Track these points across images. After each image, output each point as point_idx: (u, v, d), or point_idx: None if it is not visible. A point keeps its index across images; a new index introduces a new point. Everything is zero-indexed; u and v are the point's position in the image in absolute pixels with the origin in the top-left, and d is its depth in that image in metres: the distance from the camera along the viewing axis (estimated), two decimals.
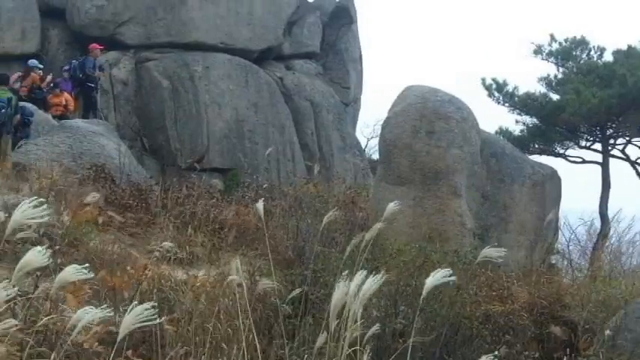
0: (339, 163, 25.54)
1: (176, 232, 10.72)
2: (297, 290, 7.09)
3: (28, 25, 24.01)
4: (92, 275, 4.27)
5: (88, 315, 3.95)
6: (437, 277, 4.77)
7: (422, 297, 4.87)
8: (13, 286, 4.01)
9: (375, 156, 28.60)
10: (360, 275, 4.64)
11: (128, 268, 7.49)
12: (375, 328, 5.01)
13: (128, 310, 3.90)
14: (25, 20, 23.97)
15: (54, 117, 18.88)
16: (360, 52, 30.45)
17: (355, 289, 4.57)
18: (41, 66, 20.67)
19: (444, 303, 7.59)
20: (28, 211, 4.25)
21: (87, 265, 4.22)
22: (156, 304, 4.01)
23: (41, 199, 4.34)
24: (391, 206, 6.69)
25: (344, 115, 27.46)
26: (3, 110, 15.35)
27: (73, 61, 21.30)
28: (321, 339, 5.15)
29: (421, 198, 11.98)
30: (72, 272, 4.18)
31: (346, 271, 4.92)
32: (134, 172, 14.72)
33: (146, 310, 3.86)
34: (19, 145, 15.17)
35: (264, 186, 15.42)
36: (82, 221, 8.71)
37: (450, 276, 4.76)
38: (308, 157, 24.75)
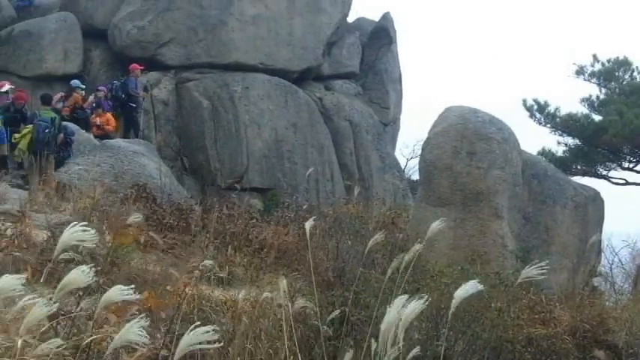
0: (378, 184, 25.48)
1: (216, 252, 10.73)
2: (338, 311, 7.05)
3: (71, 46, 24.39)
4: (138, 296, 4.28)
5: (132, 335, 3.94)
6: (466, 289, 4.66)
7: (451, 311, 4.77)
8: (54, 302, 4.02)
9: (415, 176, 28.58)
10: (400, 300, 4.56)
11: (168, 287, 7.50)
12: (416, 350, 4.94)
13: (187, 331, 3.87)
14: (68, 41, 24.34)
15: (95, 137, 19.06)
16: (400, 72, 30.42)
17: (397, 312, 4.50)
18: (83, 86, 20.88)
19: (485, 326, 7.50)
20: (76, 234, 4.28)
21: (132, 286, 4.23)
22: (217, 327, 3.99)
23: (86, 223, 4.36)
24: (435, 225, 6.62)
25: (383, 135, 27.45)
26: (47, 130, 15.54)
27: (115, 81, 21.53)
28: (348, 356, 5.13)
29: (462, 219, 11.85)
30: (117, 292, 4.19)
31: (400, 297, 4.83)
32: (175, 191, 14.80)
33: (206, 332, 3.84)
34: (62, 165, 15.33)
35: (304, 207, 15.40)
36: (124, 241, 8.74)
37: (477, 289, 4.65)
38: (347, 178, 24.75)
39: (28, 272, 6.65)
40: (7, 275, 4.11)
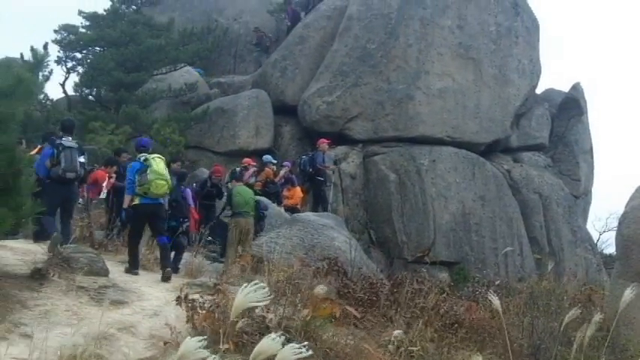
0: (569, 258, 24.71)
1: (406, 327, 10.62)
2: None
3: (262, 122, 25.35)
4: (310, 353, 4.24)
5: None
6: None
7: None
8: None
9: (608, 250, 27.54)
10: None
11: None
12: None
13: None
14: (259, 117, 25.33)
15: (286, 210, 19.48)
16: (591, 143, 29.68)
17: None
18: (275, 161, 21.54)
19: None
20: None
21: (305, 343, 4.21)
22: None
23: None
24: (627, 294, 6.33)
25: (574, 208, 26.67)
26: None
27: (303, 156, 22.04)
28: None
29: None
30: (291, 352, 4.15)
31: None
32: (363, 265, 14.83)
33: None
34: (255, 238, 15.74)
35: (497, 282, 15.03)
36: (318, 315, 8.81)
37: None
38: (537, 251, 24.11)
39: (229, 345, 6.78)
40: (188, 338, 4.18)
